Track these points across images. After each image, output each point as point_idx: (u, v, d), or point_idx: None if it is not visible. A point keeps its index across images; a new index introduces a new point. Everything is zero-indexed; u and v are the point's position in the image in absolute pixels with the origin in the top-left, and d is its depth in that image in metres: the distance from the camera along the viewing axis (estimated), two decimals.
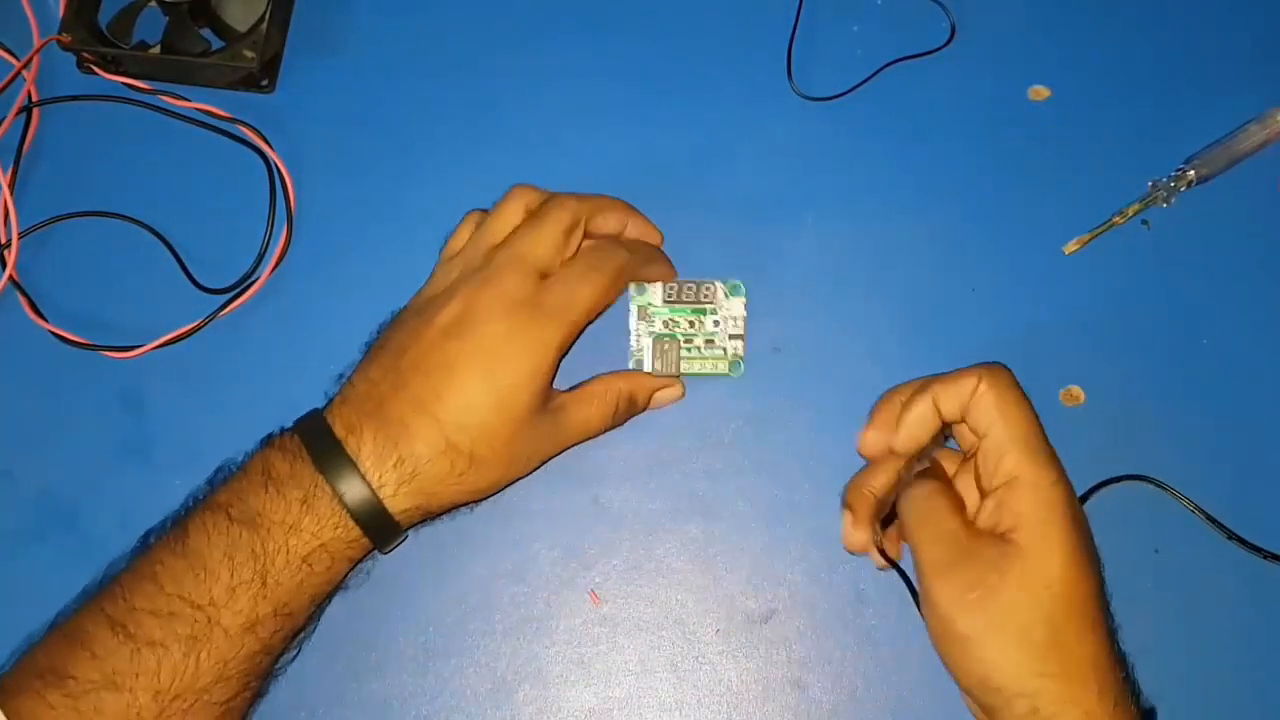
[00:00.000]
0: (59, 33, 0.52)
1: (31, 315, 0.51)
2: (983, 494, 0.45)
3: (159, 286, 0.52)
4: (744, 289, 0.52)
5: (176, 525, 0.44)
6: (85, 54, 0.53)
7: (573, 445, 0.49)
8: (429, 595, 0.49)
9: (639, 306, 0.52)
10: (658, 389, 0.51)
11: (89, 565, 0.45)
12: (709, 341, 0.51)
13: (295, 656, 0.47)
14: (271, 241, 0.52)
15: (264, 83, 0.54)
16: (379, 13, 0.56)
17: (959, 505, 0.45)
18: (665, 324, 0.52)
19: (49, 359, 0.51)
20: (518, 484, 0.50)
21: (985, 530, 0.44)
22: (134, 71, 0.54)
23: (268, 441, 0.46)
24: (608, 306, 0.48)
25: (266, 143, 0.53)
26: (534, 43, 0.55)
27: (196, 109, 0.54)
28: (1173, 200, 0.52)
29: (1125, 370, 0.51)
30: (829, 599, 0.49)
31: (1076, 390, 0.50)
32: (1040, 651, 0.41)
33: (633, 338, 0.52)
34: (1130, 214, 0.52)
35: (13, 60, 0.54)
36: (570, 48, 0.55)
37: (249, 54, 0.52)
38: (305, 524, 0.44)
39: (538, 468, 0.48)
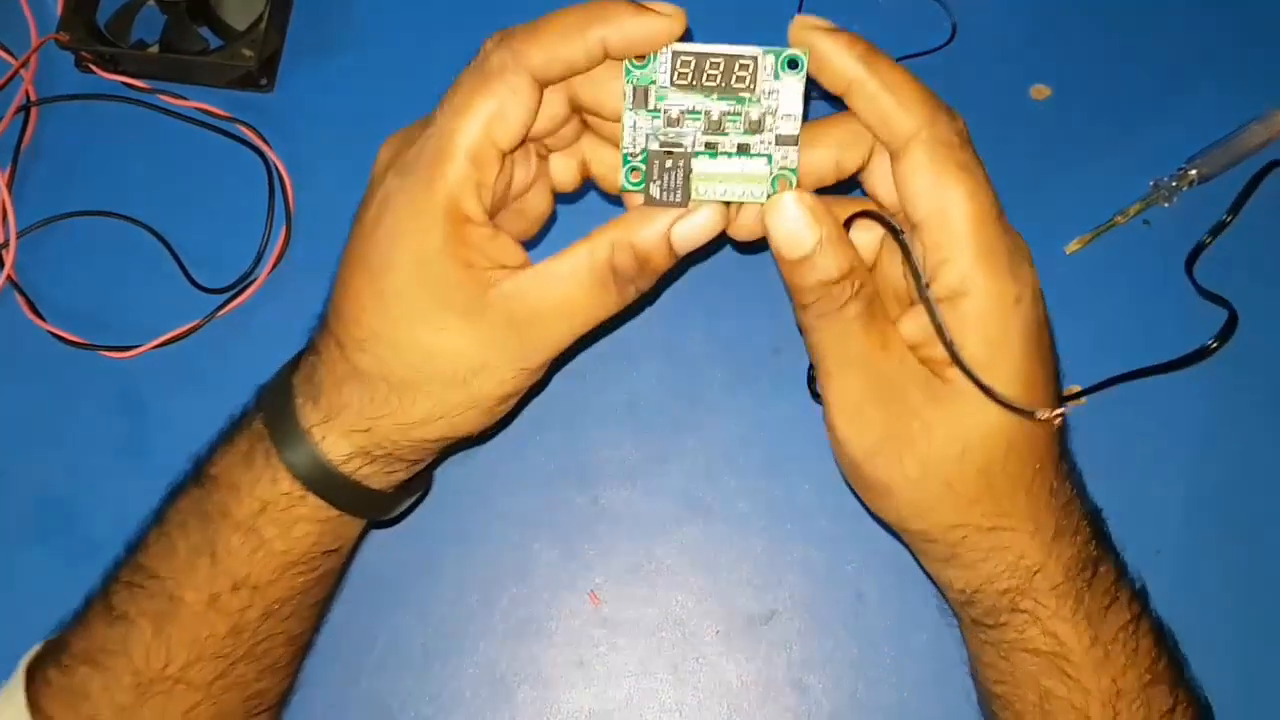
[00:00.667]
0: (57, 32, 0.52)
1: (30, 315, 0.51)
2: (911, 298, 0.36)
3: (158, 286, 0.52)
4: (803, 63, 0.35)
5: (173, 487, 0.42)
6: (84, 53, 0.53)
7: (559, 345, 0.37)
8: (429, 595, 0.49)
9: (636, 88, 0.35)
10: (672, 224, 0.35)
11: (88, 565, 0.45)
12: (741, 147, 0.35)
13: (305, 646, 0.45)
14: (270, 241, 0.52)
15: (263, 82, 0.54)
16: (379, 12, 0.55)
17: (877, 312, 0.35)
18: (673, 119, 0.36)
19: (47, 359, 0.51)
20: (518, 483, 0.49)
21: (909, 351, 0.35)
22: (132, 70, 0.54)
23: (257, 392, 0.42)
24: (526, 119, 0.35)
25: (265, 142, 0.53)
26: None
27: (195, 108, 0.53)
28: (1174, 200, 0.52)
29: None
30: (829, 599, 0.49)
31: (1076, 387, 0.50)
32: (965, 504, 0.36)
33: (626, 139, 0.36)
34: (1132, 213, 0.52)
35: (11, 59, 0.54)
36: None
37: (248, 53, 0.52)
38: (244, 481, 0.39)
39: (521, 390, 0.38)
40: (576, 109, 0.37)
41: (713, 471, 0.50)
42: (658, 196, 0.36)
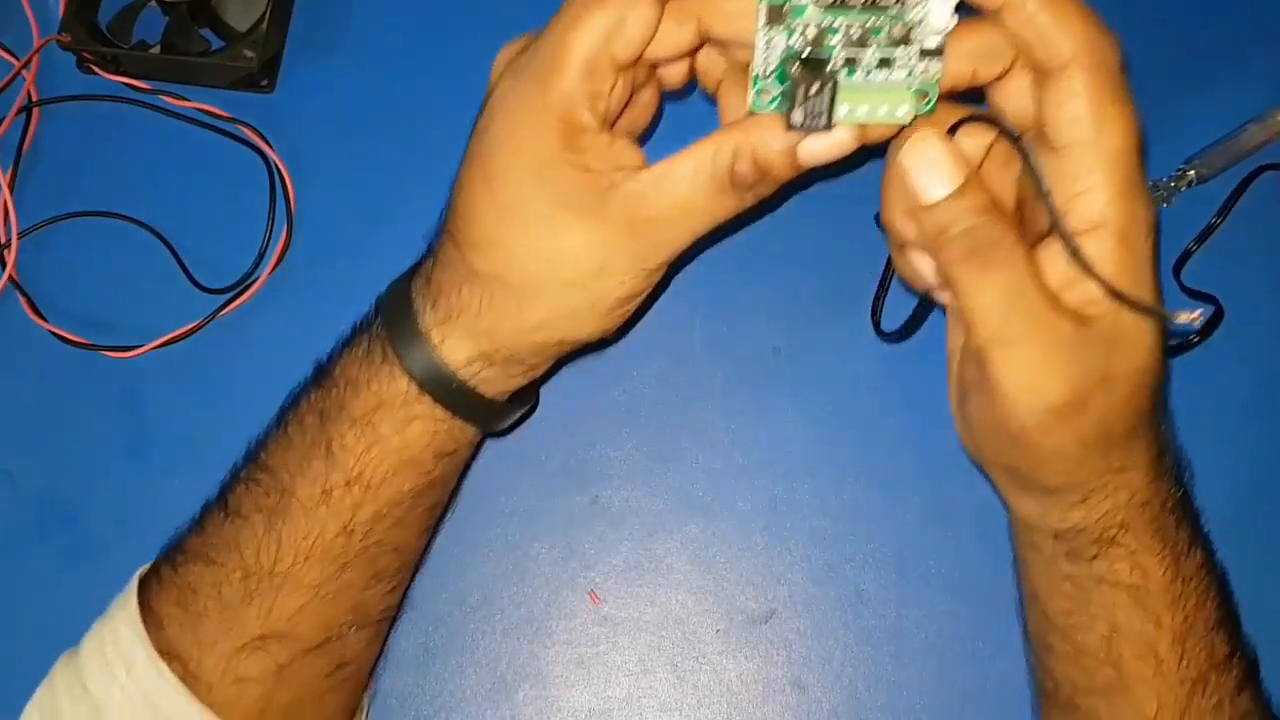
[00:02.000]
0: (59, 32, 0.52)
1: (31, 315, 0.51)
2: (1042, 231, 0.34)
3: (159, 286, 0.52)
4: None
5: (294, 391, 0.42)
6: (85, 54, 0.53)
7: (678, 246, 0.36)
8: (429, 595, 0.49)
9: (770, 6, 0.33)
10: (798, 139, 0.34)
11: (89, 565, 0.45)
12: (884, 62, 0.33)
13: (413, 560, 0.44)
14: (271, 241, 0.52)
15: (264, 83, 0.54)
16: (379, 13, 0.55)
17: (1027, 249, 0.33)
18: (811, 38, 0.33)
19: (49, 359, 0.51)
20: (517, 483, 0.50)
21: (1054, 294, 0.33)
22: (134, 71, 0.54)
23: (380, 298, 0.42)
24: (645, 34, 0.34)
25: (266, 142, 0.53)
26: None
27: (196, 109, 0.54)
28: (1173, 200, 0.52)
29: None
30: (829, 599, 0.49)
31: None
32: (1116, 452, 0.36)
33: (758, 60, 0.34)
34: None
35: (13, 60, 0.54)
36: None
37: (249, 54, 0.52)
38: (363, 378, 0.39)
39: (640, 293, 0.38)
40: (704, 39, 0.36)
41: (713, 471, 0.50)
42: (800, 123, 0.33)
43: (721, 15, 0.35)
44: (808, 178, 0.36)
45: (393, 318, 0.39)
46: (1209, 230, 0.52)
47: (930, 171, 0.33)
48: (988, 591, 0.48)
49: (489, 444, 0.50)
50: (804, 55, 0.33)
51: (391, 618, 0.45)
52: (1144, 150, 0.34)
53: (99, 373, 0.51)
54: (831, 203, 0.53)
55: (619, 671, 0.49)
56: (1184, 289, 0.51)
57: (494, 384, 0.40)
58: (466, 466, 0.46)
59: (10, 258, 0.52)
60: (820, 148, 0.34)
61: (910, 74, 0.34)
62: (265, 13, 0.52)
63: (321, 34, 0.55)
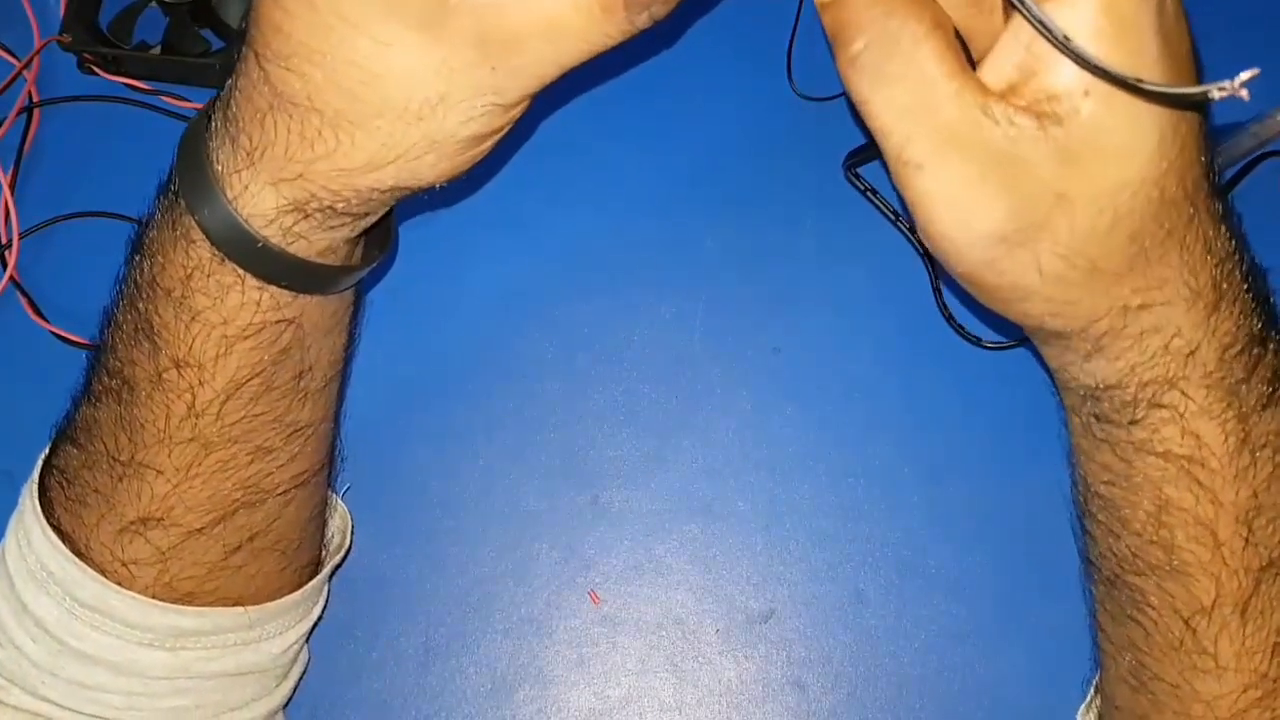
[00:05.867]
0: (60, 33, 0.52)
1: (32, 315, 0.51)
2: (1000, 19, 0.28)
3: None
4: None
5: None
6: (86, 54, 0.53)
7: (540, 78, 0.30)
8: (429, 595, 0.49)
9: None
10: None
11: None
12: None
13: (309, 428, 0.39)
14: None
15: None
16: None
17: (960, 57, 0.27)
18: None
19: (50, 359, 0.51)
20: (517, 483, 0.49)
21: (1011, 105, 0.27)
22: (135, 72, 0.54)
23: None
24: None
25: None
26: None
27: (197, 109, 0.54)
28: None
29: None
30: (829, 599, 0.49)
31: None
32: (1115, 285, 0.29)
33: None
34: None
35: (14, 61, 0.54)
36: None
37: None
38: (166, 242, 0.34)
39: (492, 133, 0.31)
40: None
41: (713, 471, 0.50)
42: None
43: None
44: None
45: (186, 163, 0.33)
46: None
47: None
48: (988, 591, 0.48)
49: (489, 443, 0.50)
50: None
51: (309, 481, 0.40)
52: None
53: None
54: (832, 202, 0.53)
55: (619, 671, 0.49)
56: None
57: (313, 242, 0.33)
58: (356, 314, 0.41)
59: (11, 258, 0.52)
60: None
61: None
62: None
63: None
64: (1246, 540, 0.31)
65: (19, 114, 0.53)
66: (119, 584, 0.37)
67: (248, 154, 0.31)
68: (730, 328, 0.52)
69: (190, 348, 0.34)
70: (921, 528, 0.49)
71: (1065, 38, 0.25)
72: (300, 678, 0.45)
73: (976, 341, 0.51)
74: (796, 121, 0.54)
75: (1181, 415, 0.31)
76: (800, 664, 0.49)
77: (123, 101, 0.54)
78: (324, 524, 0.45)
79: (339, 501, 0.47)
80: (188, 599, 0.38)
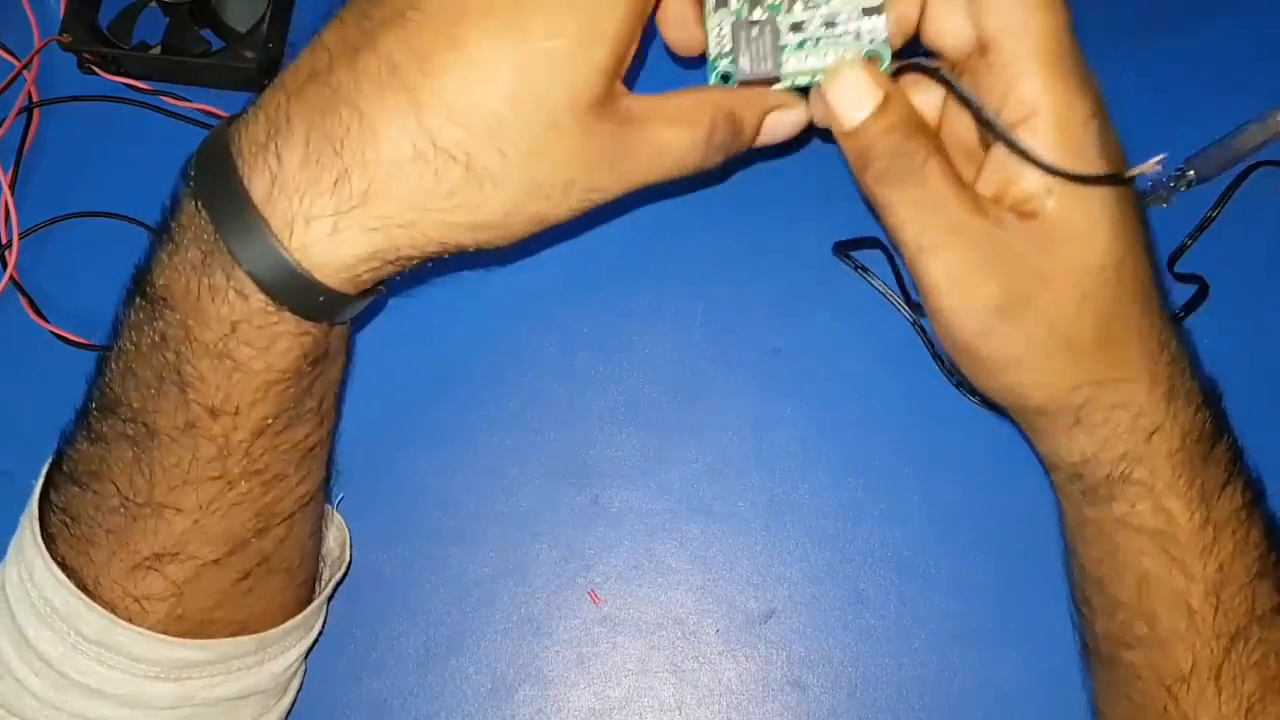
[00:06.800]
0: (59, 33, 0.52)
1: (32, 316, 0.51)
2: (981, 143, 0.35)
3: None
4: None
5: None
6: (86, 54, 0.53)
7: (639, 184, 0.34)
8: (429, 595, 0.49)
9: None
10: (771, 108, 0.36)
11: None
12: (829, 24, 0.35)
13: (318, 444, 0.39)
14: None
15: (264, 83, 0.54)
16: None
17: (957, 173, 0.34)
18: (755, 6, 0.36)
19: (50, 360, 0.51)
20: (517, 483, 0.50)
21: (998, 205, 0.33)
22: (135, 72, 0.54)
23: (185, 166, 0.34)
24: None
25: None
26: None
27: (197, 109, 0.54)
28: (1171, 200, 0.52)
29: None
30: (829, 599, 0.49)
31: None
32: (1086, 359, 0.34)
33: (711, 27, 0.36)
34: None
35: (13, 61, 0.54)
36: None
37: (249, 55, 0.52)
38: (204, 298, 0.32)
39: (575, 214, 0.34)
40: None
41: (713, 471, 0.50)
42: (748, 69, 0.35)
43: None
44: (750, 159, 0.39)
45: (224, 204, 0.30)
46: (1204, 224, 0.52)
47: (848, 95, 0.34)
48: (988, 591, 0.48)
49: (489, 443, 0.50)
50: (743, 13, 0.35)
51: (313, 499, 0.41)
52: (1073, 32, 0.34)
53: None
54: (833, 203, 0.53)
55: (619, 671, 0.49)
56: (1176, 277, 0.51)
57: (365, 283, 0.33)
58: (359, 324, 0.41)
59: (11, 258, 0.52)
60: (784, 121, 0.36)
61: (858, 36, 0.35)
62: (265, 13, 0.52)
63: None
64: (1216, 609, 0.36)
65: (19, 114, 0.53)
66: (129, 619, 0.36)
67: (352, 196, 0.30)
68: (730, 328, 0.52)
69: (228, 396, 0.34)
70: (921, 528, 0.49)
71: (1029, 151, 0.33)
72: (299, 690, 0.45)
73: None
74: None
75: (1152, 490, 0.36)
76: (800, 664, 0.49)
77: (122, 101, 0.54)
78: (321, 538, 0.45)
79: (335, 514, 0.46)
80: (196, 629, 0.38)
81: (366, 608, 0.49)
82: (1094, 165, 0.33)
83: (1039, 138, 0.33)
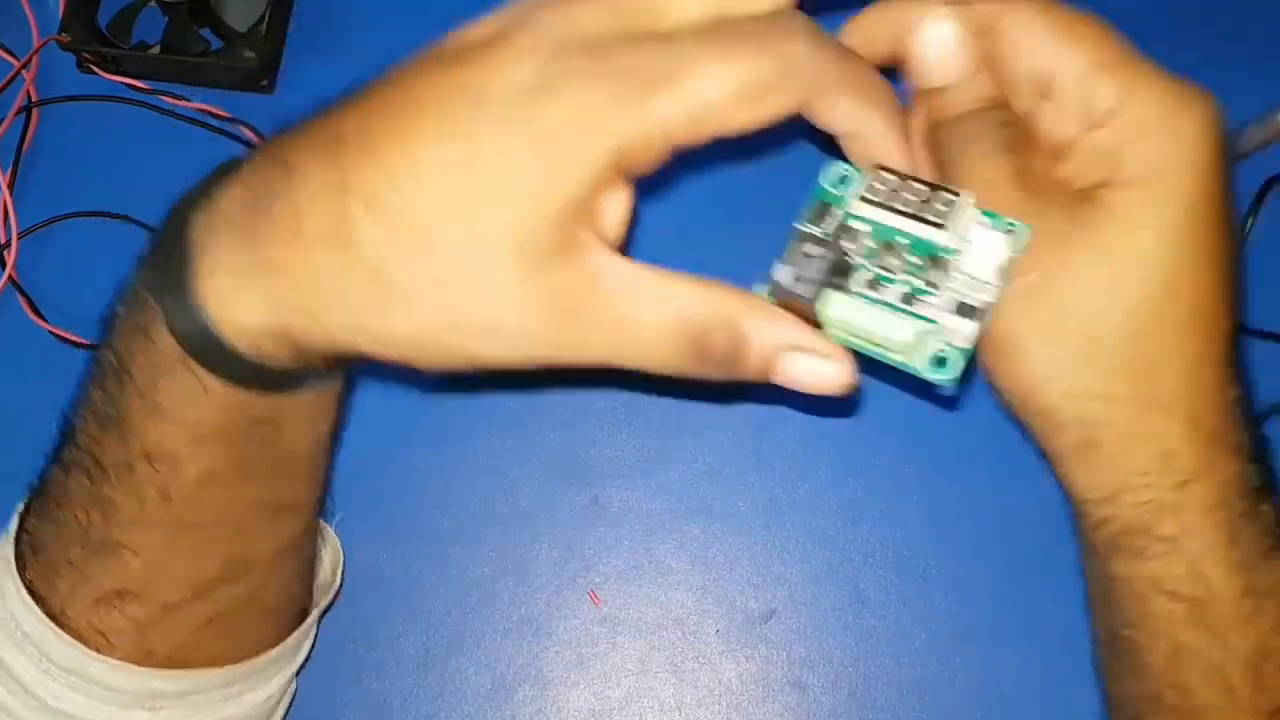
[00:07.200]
0: (59, 32, 0.52)
1: (31, 316, 0.51)
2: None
3: None
4: (1024, 234, 0.29)
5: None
6: (85, 54, 0.53)
7: (597, 361, 0.29)
8: (429, 595, 0.49)
9: (823, 203, 0.30)
10: (789, 346, 0.29)
11: None
12: (914, 298, 0.29)
13: (295, 506, 0.38)
14: None
15: (264, 83, 0.54)
16: (380, 14, 0.55)
17: (1023, 140, 0.31)
18: (846, 230, 0.30)
19: (49, 360, 0.51)
20: (517, 483, 0.49)
21: (1061, 184, 0.30)
22: (134, 71, 0.54)
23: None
24: (746, 125, 0.28)
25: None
26: None
27: (197, 109, 0.54)
28: None
29: None
30: (829, 599, 0.49)
31: None
32: (1109, 368, 0.30)
33: (788, 249, 0.30)
34: None
35: (12, 60, 0.54)
36: None
37: (249, 54, 0.52)
38: (131, 337, 0.31)
39: (522, 366, 0.29)
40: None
41: (713, 471, 0.50)
42: (785, 283, 0.29)
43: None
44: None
45: (169, 264, 0.29)
46: None
47: (942, 48, 0.31)
48: (988, 591, 0.48)
49: (488, 443, 0.50)
50: (819, 233, 0.29)
51: (298, 544, 0.39)
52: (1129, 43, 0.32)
53: None
54: None
55: (619, 671, 0.49)
56: None
57: (279, 360, 0.30)
58: (346, 394, 0.39)
59: (10, 258, 0.52)
60: (807, 373, 0.29)
61: (938, 325, 0.28)
62: (265, 13, 0.52)
63: (321, 34, 0.55)
64: (1256, 685, 0.33)
65: (18, 113, 0.53)
66: (97, 650, 0.36)
67: (266, 264, 0.28)
68: None
69: (159, 441, 0.32)
70: (921, 528, 0.49)
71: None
72: (286, 713, 0.44)
73: None
74: (798, 123, 0.53)
75: (1185, 551, 0.32)
76: (800, 664, 0.49)
77: (122, 101, 0.54)
78: (314, 569, 0.44)
79: (331, 534, 0.46)
80: (167, 663, 0.37)
81: (366, 608, 0.49)
82: (1186, 164, 0.29)
83: (1124, 132, 0.30)
